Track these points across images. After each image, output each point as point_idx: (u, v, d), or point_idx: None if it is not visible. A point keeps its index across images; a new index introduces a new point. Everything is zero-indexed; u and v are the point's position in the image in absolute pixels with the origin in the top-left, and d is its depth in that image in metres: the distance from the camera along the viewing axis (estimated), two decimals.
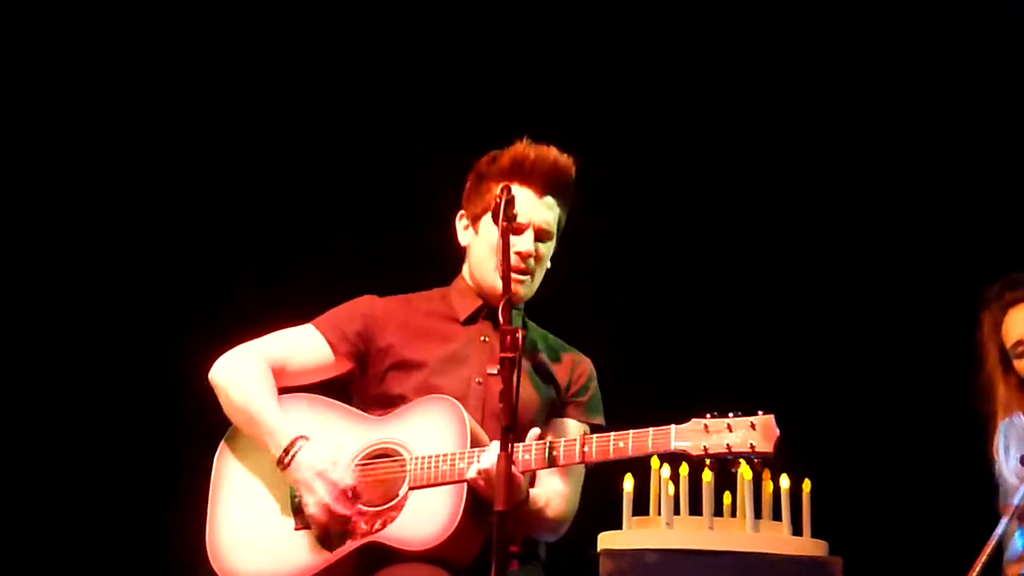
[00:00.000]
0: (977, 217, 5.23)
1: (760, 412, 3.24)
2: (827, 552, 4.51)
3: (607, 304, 5.16)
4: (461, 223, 3.80)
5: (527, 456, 3.36)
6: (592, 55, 5.31)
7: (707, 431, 3.26)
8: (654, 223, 5.36)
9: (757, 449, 3.23)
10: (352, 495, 3.40)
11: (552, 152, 3.71)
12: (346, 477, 3.40)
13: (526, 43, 5.26)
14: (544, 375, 3.73)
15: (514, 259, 3.53)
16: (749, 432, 3.24)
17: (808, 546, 4.46)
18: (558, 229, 3.77)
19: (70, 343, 5.17)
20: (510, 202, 3.39)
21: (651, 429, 3.32)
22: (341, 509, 3.41)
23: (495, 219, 3.42)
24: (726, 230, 5.36)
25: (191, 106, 5.21)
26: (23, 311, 5.15)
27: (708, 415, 3.27)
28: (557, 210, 3.74)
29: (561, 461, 3.37)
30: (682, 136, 5.33)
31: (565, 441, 3.38)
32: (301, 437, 3.47)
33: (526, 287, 3.65)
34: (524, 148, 3.72)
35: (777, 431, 3.21)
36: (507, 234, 3.37)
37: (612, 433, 3.38)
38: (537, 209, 3.69)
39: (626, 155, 5.29)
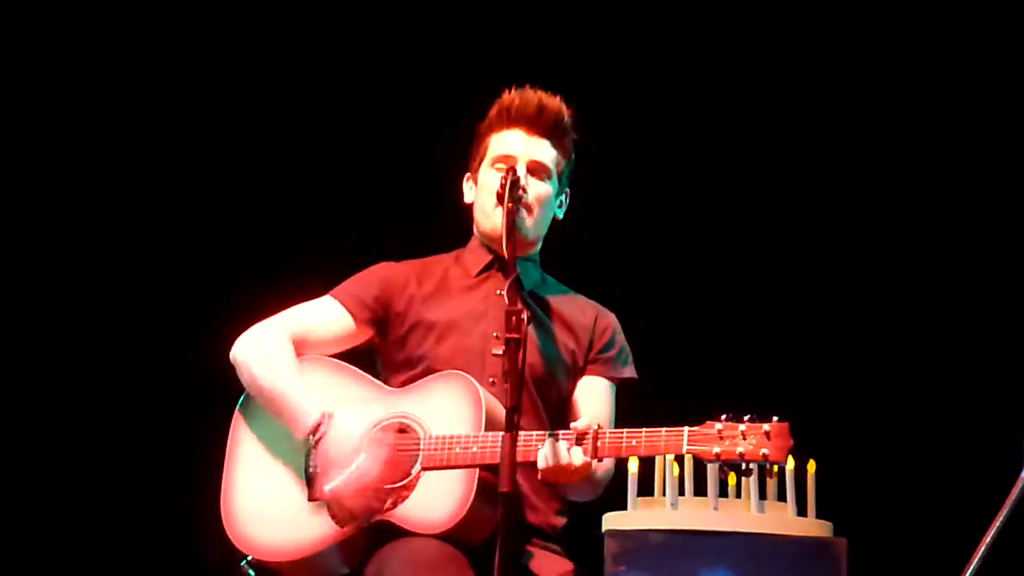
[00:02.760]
0: (973, 203, 5.25)
1: (775, 418, 3.24)
2: (832, 533, 4.53)
3: (617, 288, 5.17)
4: (467, 184, 3.83)
5: (538, 445, 3.38)
6: (619, 26, 5.34)
7: (720, 437, 3.26)
8: (666, 211, 5.38)
9: (770, 458, 3.23)
10: (374, 486, 3.44)
11: (538, 94, 3.74)
12: (372, 470, 3.44)
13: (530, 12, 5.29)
14: (566, 331, 3.73)
15: (501, 179, 3.53)
16: (763, 440, 3.24)
17: (813, 527, 4.48)
18: (560, 176, 3.77)
19: (87, 323, 5.21)
20: (515, 183, 3.41)
21: (664, 430, 3.31)
22: (364, 501, 3.44)
23: (500, 199, 3.45)
24: (735, 217, 5.38)
25: (192, 95, 5.26)
26: (42, 294, 5.19)
27: (722, 418, 3.27)
28: (552, 152, 3.74)
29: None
30: (699, 136, 5.35)
31: (580, 433, 3.39)
32: (324, 418, 3.49)
33: (524, 225, 3.63)
34: (509, 95, 3.75)
35: (791, 441, 3.21)
36: (512, 215, 3.39)
37: (625, 431, 3.38)
38: (526, 145, 3.70)
39: (641, 155, 5.33)
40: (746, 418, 3.26)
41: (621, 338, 3.80)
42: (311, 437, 3.48)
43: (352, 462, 3.48)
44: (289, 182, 5.31)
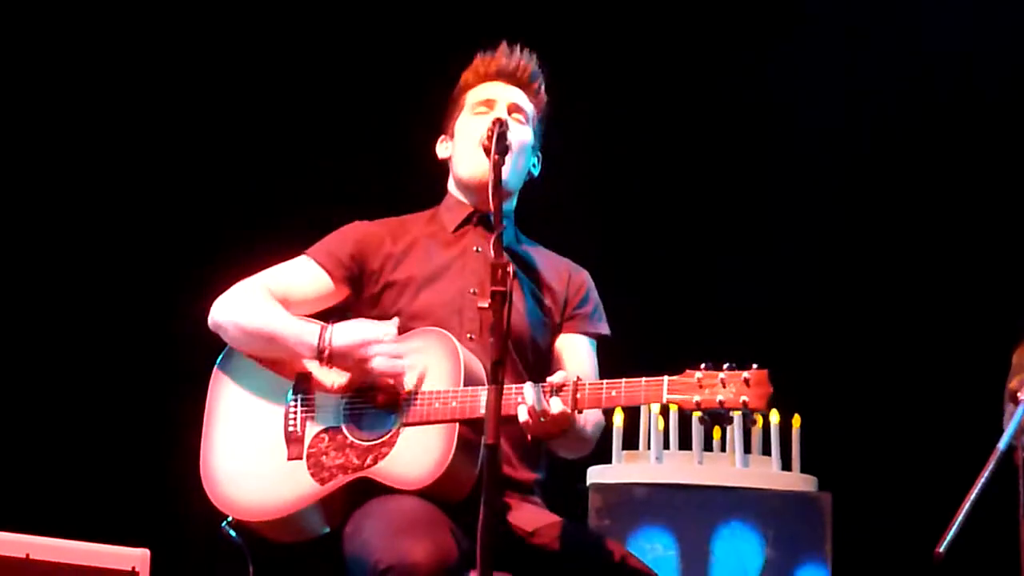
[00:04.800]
0: (951, 168, 5.25)
1: (755, 366, 3.21)
2: (816, 487, 4.54)
3: (599, 237, 5.15)
4: (441, 144, 3.79)
5: (518, 399, 3.35)
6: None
7: (700, 385, 3.22)
8: (649, 157, 5.35)
9: (750, 406, 3.19)
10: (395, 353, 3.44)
11: (513, 50, 3.72)
12: (388, 336, 3.44)
13: None
14: (542, 289, 3.70)
15: (487, 130, 3.48)
16: (743, 388, 3.20)
17: (797, 481, 4.49)
18: (536, 134, 3.74)
19: (68, 289, 5.18)
20: (502, 135, 3.37)
21: (643, 380, 3.28)
22: (397, 365, 3.43)
23: (484, 149, 3.40)
24: (719, 165, 5.35)
25: (174, 54, 5.22)
26: (19, 260, 5.16)
27: (702, 367, 3.24)
28: (530, 104, 3.73)
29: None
30: (671, 87, 5.34)
31: (556, 386, 3.36)
32: (325, 326, 3.48)
33: (505, 169, 3.58)
34: (483, 55, 3.74)
35: (771, 388, 3.16)
36: (498, 167, 3.35)
37: (604, 381, 3.34)
38: (504, 90, 3.68)
39: (616, 117, 5.28)
40: (725, 366, 3.22)
41: (595, 294, 3.77)
42: (322, 347, 3.45)
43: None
44: (265, 144, 5.27)
